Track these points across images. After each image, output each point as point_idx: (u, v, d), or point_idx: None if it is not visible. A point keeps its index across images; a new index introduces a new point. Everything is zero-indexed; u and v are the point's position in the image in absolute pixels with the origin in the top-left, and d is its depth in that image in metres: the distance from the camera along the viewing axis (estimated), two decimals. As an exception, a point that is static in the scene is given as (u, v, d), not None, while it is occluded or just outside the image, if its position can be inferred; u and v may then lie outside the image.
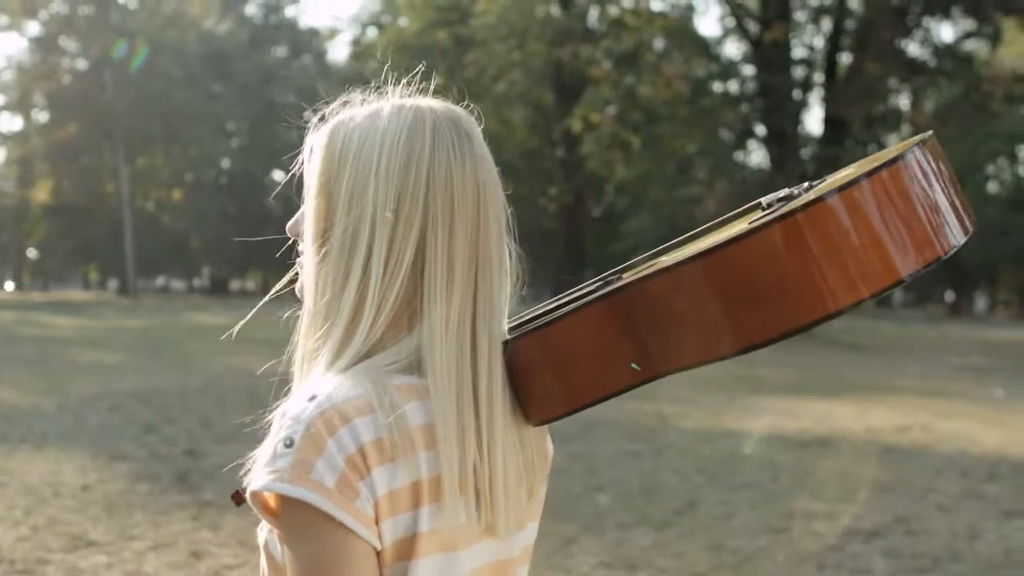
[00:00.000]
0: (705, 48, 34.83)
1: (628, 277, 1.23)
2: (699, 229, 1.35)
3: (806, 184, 1.19)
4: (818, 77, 34.80)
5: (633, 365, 1.19)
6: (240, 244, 67.11)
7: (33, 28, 60.81)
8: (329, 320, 1.23)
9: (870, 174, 1.05)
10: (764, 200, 1.19)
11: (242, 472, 1.22)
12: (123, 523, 6.42)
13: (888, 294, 1.08)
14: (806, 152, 33.63)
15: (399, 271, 1.21)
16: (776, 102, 31.05)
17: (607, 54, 32.57)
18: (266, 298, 1.47)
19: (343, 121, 1.26)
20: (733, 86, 36.75)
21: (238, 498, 1.49)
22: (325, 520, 1.11)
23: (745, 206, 1.31)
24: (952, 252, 1.12)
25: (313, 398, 1.16)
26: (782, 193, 1.17)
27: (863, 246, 1.04)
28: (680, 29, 32.60)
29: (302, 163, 1.31)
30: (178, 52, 59.82)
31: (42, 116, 63.87)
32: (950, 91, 33.71)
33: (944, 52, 32.16)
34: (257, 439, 1.17)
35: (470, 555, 1.23)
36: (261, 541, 1.26)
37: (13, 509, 6.71)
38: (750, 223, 1.10)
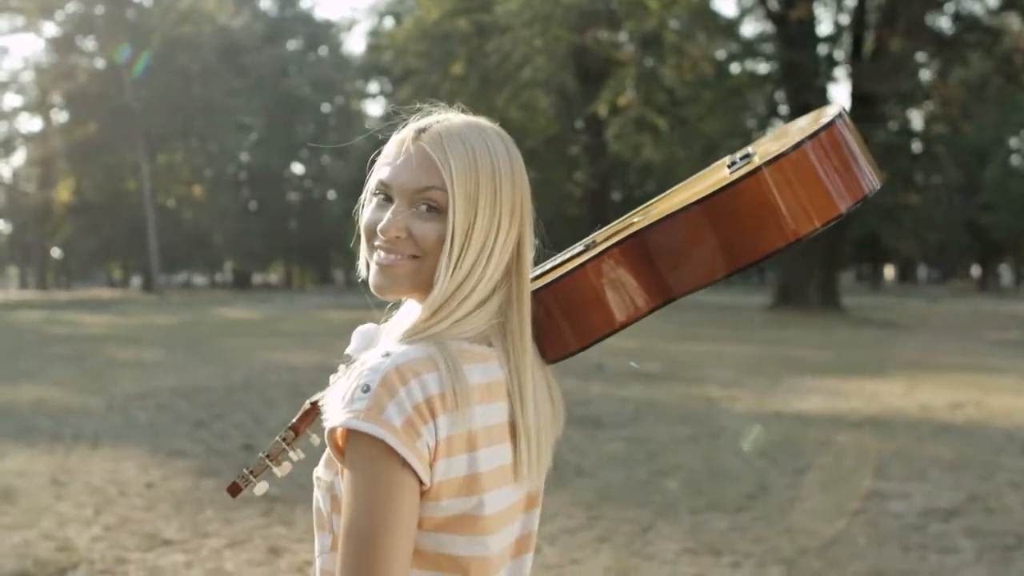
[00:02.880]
0: (727, 28, 34.56)
1: (621, 233, 1.55)
2: (665, 193, 1.73)
3: (750, 148, 1.58)
4: (845, 54, 34.42)
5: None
6: (262, 238, 67.30)
7: (50, 29, 60.92)
8: (447, 307, 1.46)
9: (813, 135, 1.41)
10: (728, 158, 1.58)
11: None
12: (195, 520, 6.37)
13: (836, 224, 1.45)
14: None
15: (502, 265, 1.48)
16: (802, 81, 30.79)
17: (631, 37, 32.36)
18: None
19: (461, 138, 1.47)
20: (758, 66, 36.43)
21: (234, 490, 1.78)
22: (388, 454, 1.34)
23: (713, 164, 1.68)
24: (873, 192, 1.47)
25: (388, 355, 1.40)
26: (741, 153, 1.55)
27: (811, 190, 1.40)
28: (702, 9, 32.35)
29: (416, 166, 1.48)
30: (194, 48, 59.78)
31: (61, 116, 63.89)
32: (982, 65, 33.31)
33: (973, 25, 31.74)
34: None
35: (517, 488, 1.51)
36: (322, 484, 1.49)
37: (83, 508, 6.67)
38: (731, 173, 1.47)
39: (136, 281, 75.27)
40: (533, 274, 1.61)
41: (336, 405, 1.38)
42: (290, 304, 41.98)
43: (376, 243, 1.49)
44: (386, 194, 1.49)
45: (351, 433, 1.36)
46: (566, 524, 6.28)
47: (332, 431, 1.39)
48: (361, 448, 1.35)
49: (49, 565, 5.47)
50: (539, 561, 5.54)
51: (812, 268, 31.08)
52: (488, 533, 1.45)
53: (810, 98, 30.32)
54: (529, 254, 1.52)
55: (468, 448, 1.41)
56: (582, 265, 1.52)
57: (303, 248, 68.47)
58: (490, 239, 1.46)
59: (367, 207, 1.53)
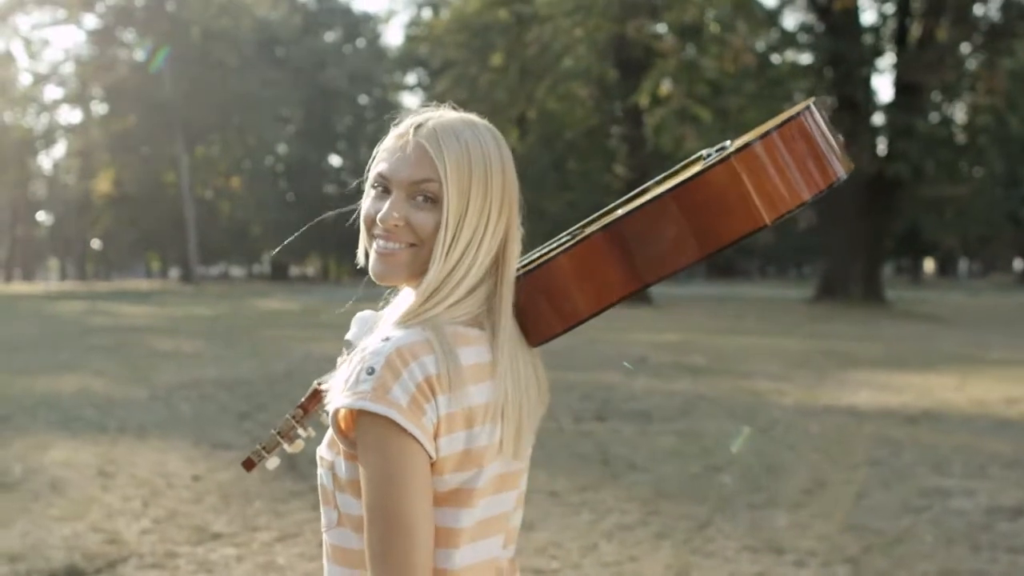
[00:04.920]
0: (768, 18, 34.14)
1: (601, 222, 1.63)
2: (646, 185, 1.78)
3: (727, 142, 1.62)
4: (889, 44, 33.93)
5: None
6: (300, 230, 67.24)
7: (90, 21, 61.25)
8: (440, 291, 1.54)
9: (780, 126, 1.49)
10: (704, 152, 1.64)
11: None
12: (244, 513, 6.27)
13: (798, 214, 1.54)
14: (877, 120, 32.91)
15: (491, 253, 1.58)
16: (846, 71, 30.38)
17: (671, 28, 32.05)
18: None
19: (455, 134, 1.56)
20: (800, 56, 36.01)
21: (249, 464, 1.91)
22: (397, 432, 1.43)
23: (685, 161, 1.74)
24: (839, 182, 1.54)
25: (388, 339, 1.49)
26: (718, 147, 1.61)
27: (777, 178, 1.48)
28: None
29: (410, 159, 1.57)
30: (232, 40, 59.93)
31: (101, 108, 64.28)
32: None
33: (1021, 14, 31.15)
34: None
35: (502, 465, 1.58)
36: (325, 463, 1.58)
37: (130, 501, 6.59)
38: (703, 165, 1.53)
39: (174, 272, 75.65)
40: (524, 261, 1.69)
41: (340, 388, 1.48)
42: (328, 296, 41.97)
43: (375, 232, 1.58)
44: (384, 186, 1.58)
45: (360, 414, 1.45)
46: (622, 520, 6.13)
47: (336, 413, 1.49)
48: (371, 428, 1.44)
49: (98, 558, 5.39)
50: (596, 558, 5.40)
51: (855, 261, 30.72)
52: (475, 506, 1.54)
53: (853, 88, 29.92)
54: (515, 244, 1.61)
55: (466, 425, 1.50)
56: (564, 251, 1.60)
57: (340, 240, 68.46)
58: (480, 227, 1.56)
59: (366, 198, 1.62)
